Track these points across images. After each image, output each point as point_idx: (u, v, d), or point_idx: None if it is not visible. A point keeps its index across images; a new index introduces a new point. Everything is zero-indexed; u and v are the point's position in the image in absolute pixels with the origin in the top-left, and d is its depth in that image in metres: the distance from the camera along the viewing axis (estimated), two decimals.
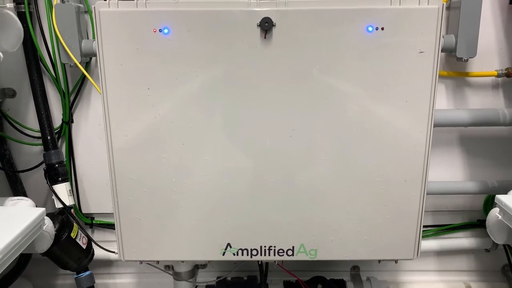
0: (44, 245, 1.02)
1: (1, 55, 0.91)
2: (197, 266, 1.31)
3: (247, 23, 0.91)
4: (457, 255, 1.41)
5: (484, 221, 1.32)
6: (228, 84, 0.96)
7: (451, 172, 1.30)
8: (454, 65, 1.21)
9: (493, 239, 1.04)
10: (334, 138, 0.99)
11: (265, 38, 0.92)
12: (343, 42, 0.93)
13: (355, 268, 1.41)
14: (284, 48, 0.93)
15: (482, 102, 1.24)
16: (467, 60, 1.12)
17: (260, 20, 0.90)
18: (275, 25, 0.91)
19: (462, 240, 1.36)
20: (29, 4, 1.13)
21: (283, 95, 0.96)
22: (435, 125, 1.00)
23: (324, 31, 0.92)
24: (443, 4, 0.91)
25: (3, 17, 0.89)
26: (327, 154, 1.00)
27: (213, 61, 0.94)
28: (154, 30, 0.92)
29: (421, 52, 0.93)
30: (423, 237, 1.09)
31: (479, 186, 1.25)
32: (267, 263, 1.27)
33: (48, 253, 1.07)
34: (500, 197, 0.95)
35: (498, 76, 1.19)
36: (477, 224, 1.37)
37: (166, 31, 0.92)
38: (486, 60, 1.20)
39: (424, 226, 1.07)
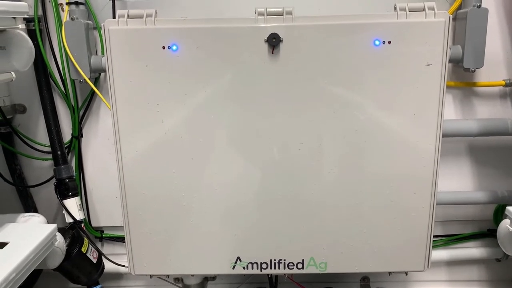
0: (56, 260, 1.02)
1: (13, 75, 0.92)
2: (206, 279, 1.31)
3: (255, 39, 0.92)
4: (468, 265, 1.40)
5: (495, 230, 1.31)
6: (237, 99, 0.97)
7: (460, 182, 1.29)
8: (461, 75, 1.21)
9: (504, 250, 1.03)
10: (343, 151, 0.99)
11: (272, 53, 0.93)
12: (350, 56, 0.93)
13: (365, 279, 1.41)
14: (291, 63, 0.94)
15: (490, 112, 1.23)
16: (474, 70, 1.12)
17: (267, 36, 0.91)
18: (282, 41, 0.92)
19: (473, 250, 1.35)
20: (39, 21, 1.15)
21: (291, 109, 0.97)
22: (444, 136, 1.00)
23: (331, 45, 0.93)
24: (449, 16, 0.92)
25: (16, 37, 0.90)
26: (336, 167, 1.01)
27: (221, 76, 0.95)
28: (163, 47, 0.93)
29: (428, 64, 0.93)
30: (433, 247, 1.09)
31: (489, 196, 1.25)
32: (276, 275, 1.27)
33: (59, 268, 1.08)
34: (510, 208, 0.95)
35: (506, 85, 1.18)
36: (487, 234, 1.36)
37: (174, 48, 0.93)
38: (493, 70, 1.20)
39: (434, 236, 1.07)
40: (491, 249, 1.34)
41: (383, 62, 0.93)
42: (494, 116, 1.23)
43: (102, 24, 0.95)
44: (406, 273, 1.12)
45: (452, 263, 1.39)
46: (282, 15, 0.93)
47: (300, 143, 0.99)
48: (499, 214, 1.30)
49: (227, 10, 1.15)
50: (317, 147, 0.99)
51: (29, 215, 1.04)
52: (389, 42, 0.92)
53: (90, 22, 1.16)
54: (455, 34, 1.15)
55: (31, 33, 1.14)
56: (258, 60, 0.94)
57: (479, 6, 1.07)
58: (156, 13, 0.95)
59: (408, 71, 0.94)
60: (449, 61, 1.10)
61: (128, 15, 0.94)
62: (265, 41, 0.92)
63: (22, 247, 0.84)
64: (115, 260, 1.29)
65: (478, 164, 1.29)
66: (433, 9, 0.93)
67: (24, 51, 0.92)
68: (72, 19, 1.10)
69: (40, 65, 1.18)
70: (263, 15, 0.93)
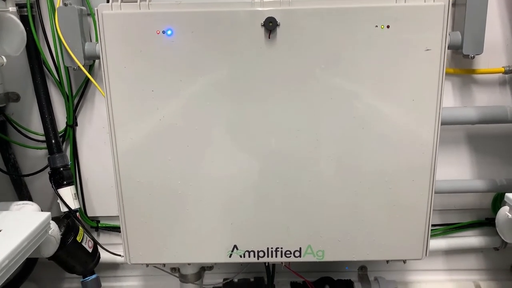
0: (50, 249, 1.01)
1: (4, 59, 0.90)
2: (203, 268, 1.31)
3: (251, 23, 0.91)
4: (466, 254, 1.40)
5: (493, 219, 1.31)
6: (233, 85, 0.95)
7: (459, 170, 1.28)
8: (460, 62, 1.19)
9: (503, 238, 1.02)
10: (341, 138, 0.98)
11: (269, 38, 0.91)
12: (348, 41, 0.92)
13: (363, 268, 1.40)
14: (288, 48, 0.92)
15: (489, 99, 1.22)
16: (473, 57, 1.11)
17: (264, 20, 0.89)
18: (279, 25, 0.90)
19: (471, 239, 1.35)
20: (31, 7, 1.12)
21: (288, 95, 0.95)
22: (442, 123, 0.98)
23: (329, 30, 0.91)
24: (449, 1, 0.90)
25: (6, 21, 0.88)
26: (334, 154, 0.99)
27: (217, 62, 0.94)
28: (158, 32, 0.92)
29: (428, 49, 0.92)
30: (431, 236, 1.07)
31: (488, 184, 1.24)
32: (274, 264, 1.26)
33: (54, 258, 1.06)
34: (510, 195, 0.94)
35: (505, 72, 1.17)
36: (485, 223, 1.35)
37: (169, 32, 0.92)
38: (493, 57, 1.18)
39: (432, 225, 1.06)
40: (489, 238, 1.34)
41: (381, 46, 0.92)
42: (493, 104, 1.22)
43: (95, 9, 0.93)
44: (404, 261, 1.11)
45: (450, 252, 1.39)
46: None
47: (297, 130, 0.98)
48: (498, 203, 1.29)
49: None
50: (314, 134, 0.98)
51: (23, 203, 1.03)
52: (388, 27, 0.91)
53: (83, 8, 1.14)
54: (455, 20, 1.13)
55: (23, 19, 1.12)
56: (255, 45, 0.92)
57: None
58: None
59: (407, 56, 0.93)
60: (449, 47, 1.08)
61: None
62: (261, 25, 0.90)
63: (14, 234, 0.83)
64: (112, 250, 1.28)
65: (477, 152, 1.28)
66: None
67: (15, 35, 0.90)
68: (65, 4, 1.08)
69: (33, 52, 1.16)
70: None
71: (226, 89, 0.95)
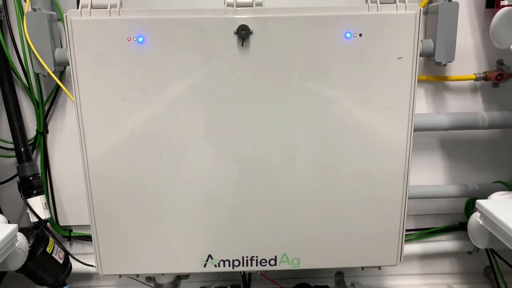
0: (18, 262, 0.98)
1: None
2: (179, 277, 1.29)
3: (224, 30, 0.90)
4: (440, 258, 1.41)
5: (466, 223, 1.33)
6: (206, 92, 0.94)
7: (432, 176, 1.30)
8: (433, 70, 1.21)
9: (474, 243, 1.04)
10: (315, 146, 0.98)
11: (242, 45, 0.91)
12: (322, 49, 0.92)
13: (339, 274, 1.40)
14: (262, 56, 0.92)
15: (461, 106, 1.24)
16: (445, 64, 1.12)
17: (237, 28, 0.89)
18: (252, 33, 0.90)
19: (445, 243, 1.36)
20: None
21: (262, 103, 0.95)
22: (415, 130, 0.99)
23: (302, 38, 0.91)
24: (420, 9, 0.91)
25: None
26: (308, 162, 0.99)
27: (189, 69, 0.92)
28: (129, 39, 0.90)
29: (400, 58, 0.93)
30: (406, 241, 1.08)
31: (460, 190, 1.25)
32: (250, 272, 1.25)
33: (22, 270, 1.03)
34: (480, 202, 0.95)
35: (476, 79, 1.19)
36: (459, 227, 1.37)
37: (140, 39, 0.90)
38: (464, 64, 1.20)
39: (407, 230, 1.07)
40: (462, 242, 1.36)
41: (354, 55, 0.92)
42: (465, 110, 1.24)
43: (64, 15, 0.90)
44: (379, 268, 1.11)
45: (425, 257, 1.40)
46: (252, 6, 0.90)
47: (272, 138, 0.97)
48: (470, 208, 1.31)
49: (196, 0, 1.12)
50: (289, 141, 0.98)
51: None
52: (360, 35, 0.91)
53: (53, 13, 1.11)
54: (427, 28, 1.15)
55: None
56: (228, 52, 0.91)
57: (450, 0, 1.06)
58: (121, 3, 0.91)
59: (379, 64, 0.93)
60: (421, 55, 1.10)
61: (91, 5, 0.90)
62: (234, 33, 0.89)
63: None
64: (85, 259, 1.26)
65: (450, 158, 1.29)
66: (404, 1, 0.92)
67: None
68: (34, 9, 1.05)
69: (0, 58, 1.13)
70: (233, 6, 0.90)
71: (199, 97, 0.94)
